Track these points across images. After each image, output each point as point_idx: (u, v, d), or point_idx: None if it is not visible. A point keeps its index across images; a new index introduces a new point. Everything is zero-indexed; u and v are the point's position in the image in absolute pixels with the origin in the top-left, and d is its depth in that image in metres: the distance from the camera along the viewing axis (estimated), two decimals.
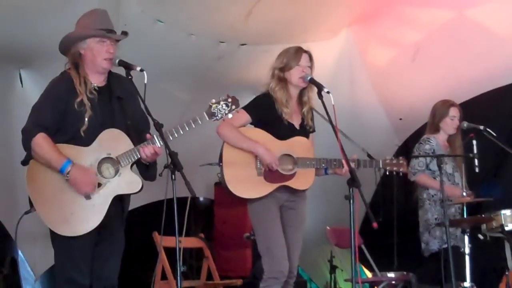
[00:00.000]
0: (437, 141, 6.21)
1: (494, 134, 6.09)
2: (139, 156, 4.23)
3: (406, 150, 7.57)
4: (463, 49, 7.13)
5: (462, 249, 5.87)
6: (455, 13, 6.95)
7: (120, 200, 4.31)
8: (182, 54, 6.90)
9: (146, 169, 4.35)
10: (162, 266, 6.60)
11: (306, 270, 9.24)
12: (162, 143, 4.17)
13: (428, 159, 6.15)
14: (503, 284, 6.09)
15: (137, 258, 6.77)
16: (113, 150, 4.23)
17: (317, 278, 9.31)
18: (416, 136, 6.72)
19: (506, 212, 5.90)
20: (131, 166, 4.29)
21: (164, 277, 6.67)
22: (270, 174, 4.97)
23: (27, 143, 4.18)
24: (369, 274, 7.74)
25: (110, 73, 4.41)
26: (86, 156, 4.20)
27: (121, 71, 4.37)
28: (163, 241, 4.72)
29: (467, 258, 5.80)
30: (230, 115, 4.36)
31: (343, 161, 4.83)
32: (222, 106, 4.32)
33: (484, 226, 6.05)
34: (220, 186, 5.31)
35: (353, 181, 4.39)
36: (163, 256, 6.46)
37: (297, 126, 5.11)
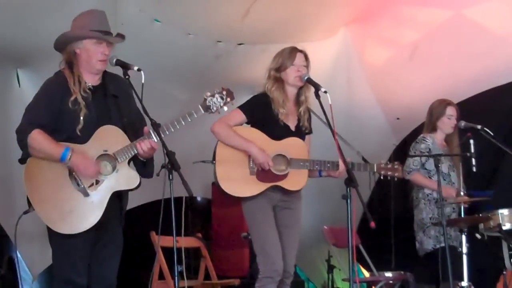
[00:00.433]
0: (433, 140, 6.21)
1: (492, 134, 6.09)
2: (136, 152, 4.23)
3: (403, 149, 7.57)
4: (461, 49, 7.14)
5: (460, 249, 5.87)
6: (452, 13, 6.96)
7: (118, 198, 4.31)
8: (179, 54, 6.89)
9: (143, 165, 4.35)
10: (159, 266, 6.59)
11: (303, 270, 9.24)
12: (158, 141, 4.16)
13: (424, 158, 6.15)
14: (500, 284, 6.09)
15: (134, 258, 6.76)
16: (110, 147, 4.23)
17: (315, 277, 9.31)
18: (414, 136, 6.73)
19: (503, 211, 5.90)
20: (129, 162, 4.28)
21: (161, 277, 6.66)
22: (262, 173, 4.98)
23: (22, 141, 4.18)
24: (366, 274, 7.73)
25: (105, 72, 4.41)
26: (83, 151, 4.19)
27: (119, 70, 4.36)
28: (160, 240, 4.72)
29: (464, 257, 5.80)
30: (225, 108, 4.37)
31: (340, 161, 4.83)
32: (217, 99, 4.33)
33: (481, 226, 6.05)
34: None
35: (350, 181, 4.40)
36: (160, 256, 6.45)
37: (293, 128, 5.12)
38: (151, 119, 4.15)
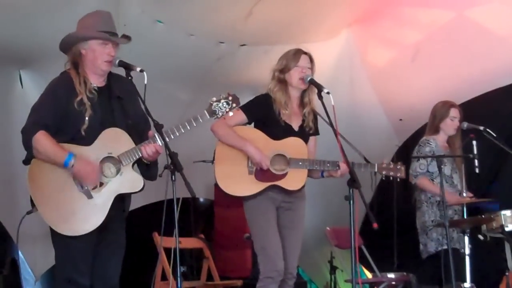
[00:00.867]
0: (436, 143, 6.21)
1: (494, 135, 6.09)
2: (140, 155, 4.23)
3: (406, 151, 7.57)
4: (463, 50, 7.13)
5: (462, 250, 5.87)
6: (455, 14, 6.96)
7: (121, 200, 4.31)
8: (182, 55, 6.89)
9: (146, 168, 4.35)
10: (162, 266, 6.60)
11: (306, 271, 9.24)
12: (162, 143, 4.17)
13: (428, 161, 6.14)
14: (503, 285, 6.09)
15: (137, 259, 6.76)
16: (115, 149, 4.23)
17: (317, 278, 9.31)
18: (416, 137, 6.73)
19: (506, 212, 5.89)
20: (133, 165, 4.29)
21: (164, 277, 6.67)
22: (261, 173, 4.99)
23: (27, 142, 4.18)
24: (369, 275, 7.73)
25: (110, 74, 4.41)
26: (87, 155, 4.19)
27: (121, 71, 4.37)
28: (163, 241, 4.72)
29: (467, 258, 5.80)
30: (230, 113, 4.37)
31: (343, 161, 4.82)
32: (223, 104, 4.32)
33: (484, 227, 6.04)
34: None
35: (353, 182, 4.40)
36: (163, 256, 6.46)
37: (296, 128, 5.12)
38: (153, 120, 4.15)
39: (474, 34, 6.94)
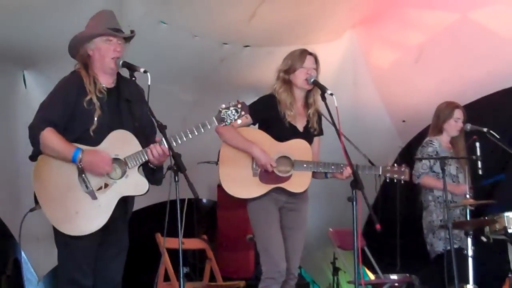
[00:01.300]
0: (440, 143, 6.21)
1: (498, 136, 6.09)
2: (146, 158, 4.23)
3: (409, 152, 7.56)
4: (467, 51, 7.13)
5: (465, 251, 5.87)
6: (458, 15, 6.95)
7: (124, 202, 4.31)
8: (185, 56, 6.90)
9: (152, 173, 4.35)
10: (164, 267, 6.60)
11: (308, 272, 9.24)
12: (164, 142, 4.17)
13: (431, 161, 6.15)
14: (506, 287, 6.08)
15: (139, 260, 6.76)
16: (121, 151, 4.23)
17: (320, 280, 9.30)
18: (419, 138, 6.72)
19: (509, 214, 5.87)
20: (138, 168, 4.29)
21: (166, 278, 6.67)
22: (265, 175, 4.98)
23: (34, 138, 4.18)
24: (372, 276, 7.73)
25: (120, 76, 4.42)
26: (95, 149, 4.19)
27: (125, 73, 4.37)
28: (166, 242, 4.72)
29: (470, 260, 5.80)
30: (239, 121, 4.36)
31: (346, 163, 4.82)
32: (232, 112, 4.31)
33: (487, 228, 6.03)
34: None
35: (356, 183, 4.40)
36: (166, 257, 6.46)
37: (301, 129, 5.11)
38: (157, 121, 4.15)
39: (478, 35, 6.94)
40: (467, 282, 5.75)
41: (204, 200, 9.20)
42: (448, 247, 5.91)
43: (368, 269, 7.73)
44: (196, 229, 8.72)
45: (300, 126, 5.12)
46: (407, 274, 7.08)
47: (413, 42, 7.41)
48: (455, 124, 6.24)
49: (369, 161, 5.16)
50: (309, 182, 5.07)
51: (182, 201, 4.05)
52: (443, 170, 5.76)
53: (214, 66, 7.28)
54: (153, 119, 4.17)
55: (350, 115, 7.04)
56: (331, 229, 7.34)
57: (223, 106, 4.32)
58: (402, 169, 5.11)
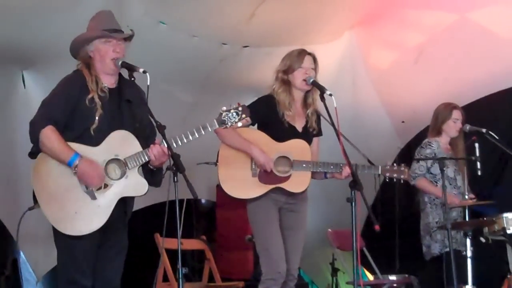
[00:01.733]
0: (438, 144, 6.21)
1: (497, 137, 6.09)
2: (147, 159, 4.23)
3: (408, 153, 7.56)
4: (466, 52, 7.13)
5: (464, 252, 5.87)
6: (458, 16, 6.96)
7: (123, 202, 4.31)
8: (184, 56, 6.90)
9: (151, 174, 4.35)
10: (163, 268, 6.60)
11: (307, 273, 9.24)
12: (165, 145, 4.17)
13: (429, 163, 6.15)
14: (505, 287, 6.08)
15: (138, 260, 6.76)
16: (121, 152, 4.23)
17: (319, 280, 9.31)
18: (419, 139, 6.72)
19: (508, 215, 5.87)
20: (138, 169, 4.28)
21: (165, 279, 6.67)
22: (264, 175, 4.98)
23: (34, 135, 4.16)
24: (370, 277, 7.73)
25: (121, 77, 4.42)
26: (94, 157, 4.19)
27: (124, 73, 4.37)
28: (165, 243, 4.72)
29: (469, 261, 5.80)
30: (240, 124, 4.36)
31: (346, 163, 4.82)
32: (233, 115, 4.31)
33: (486, 229, 6.03)
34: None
35: (355, 184, 4.40)
36: (164, 258, 6.46)
37: (300, 129, 5.11)
38: (156, 121, 4.15)
39: (477, 36, 6.94)
40: (466, 283, 5.75)
41: (203, 201, 9.20)
42: (445, 250, 5.92)
43: (367, 269, 7.74)
44: (195, 230, 8.72)
45: (299, 127, 5.11)
46: (406, 275, 7.08)
47: (412, 42, 7.41)
48: (454, 125, 6.24)
49: (368, 160, 5.16)
50: (309, 182, 5.07)
51: (181, 201, 4.03)
52: (442, 171, 5.76)
53: (214, 66, 7.28)
54: (152, 119, 4.17)
55: (349, 116, 7.05)
56: (330, 230, 7.33)
57: (224, 108, 4.32)
58: (402, 168, 5.10)
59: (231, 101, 4.35)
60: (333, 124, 4.57)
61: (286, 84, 5.08)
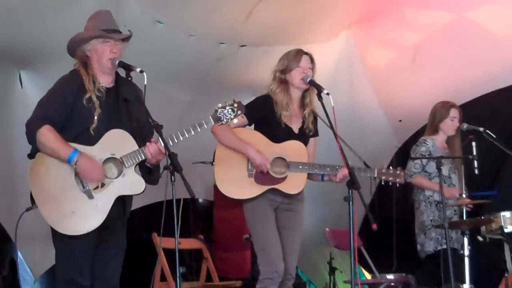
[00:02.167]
0: (434, 143, 6.21)
1: (494, 136, 6.09)
2: (143, 158, 4.23)
3: (405, 152, 7.56)
4: (463, 51, 7.13)
5: (461, 251, 5.87)
6: (454, 15, 6.96)
7: (122, 201, 4.31)
8: (182, 55, 6.89)
9: (148, 172, 4.35)
10: (161, 267, 6.59)
11: (305, 272, 9.24)
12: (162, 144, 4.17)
13: (424, 161, 6.15)
14: (502, 286, 6.09)
15: (136, 259, 6.76)
16: (118, 151, 4.23)
17: (316, 279, 9.31)
18: (416, 138, 6.72)
19: (505, 214, 5.89)
20: (135, 167, 4.28)
21: (163, 278, 6.66)
22: (260, 176, 4.98)
23: (32, 136, 4.16)
24: (368, 276, 7.73)
25: (119, 77, 4.42)
26: (91, 155, 4.19)
27: (121, 72, 4.37)
28: (162, 242, 4.72)
29: (466, 260, 5.80)
30: (235, 120, 4.37)
31: (343, 164, 4.81)
32: (228, 111, 4.32)
33: (483, 228, 6.05)
34: None
35: (352, 183, 4.39)
36: (162, 257, 6.45)
37: (296, 130, 5.11)
38: (153, 121, 4.15)
39: (474, 35, 6.94)
40: (463, 282, 5.75)
41: (201, 200, 9.21)
42: (439, 247, 5.94)
43: (365, 268, 7.73)
44: (193, 229, 8.72)
45: (296, 128, 5.11)
46: (404, 274, 7.08)
47: (409, 41, 7.41)
48: (451, 123, 6.25)
49: (365, 163, 5.16)
50: (304, 184, 5.07)
51: (178, 201, 4.03)
52: (439, 169, 5.77)
53: (211, 65, 7.28)
54: (149, 118, 4.17)
55: (346, 115, 7.04)
56: (327, 229, 7.33)
57: (220, 105, 4.33)
58: (398, 172, 5.09)
59: (228, 100, 4.35)
60: (331, 127, 4.56)
61: (284, 83, 5.09)
